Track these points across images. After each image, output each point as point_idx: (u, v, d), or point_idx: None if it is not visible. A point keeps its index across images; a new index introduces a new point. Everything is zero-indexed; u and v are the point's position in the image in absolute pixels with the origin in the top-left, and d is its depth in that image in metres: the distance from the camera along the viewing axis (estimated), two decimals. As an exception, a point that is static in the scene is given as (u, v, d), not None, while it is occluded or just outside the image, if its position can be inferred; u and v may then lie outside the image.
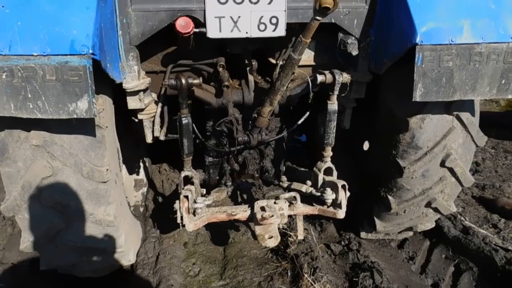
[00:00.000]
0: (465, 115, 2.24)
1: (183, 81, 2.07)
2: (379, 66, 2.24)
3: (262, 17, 2.06)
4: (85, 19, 1.67)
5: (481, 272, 2.59)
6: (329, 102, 2.29)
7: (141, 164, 3.48)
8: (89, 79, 1.66)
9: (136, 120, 2.47)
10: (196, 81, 2.12)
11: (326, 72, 2.23)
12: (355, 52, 2.23)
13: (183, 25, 1.97)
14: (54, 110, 1.69)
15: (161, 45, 2.30)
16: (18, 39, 1.61)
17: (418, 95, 1.97)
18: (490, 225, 3.11)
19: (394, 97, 2.32)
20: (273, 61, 2.48)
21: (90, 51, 1.63)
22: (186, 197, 2.19)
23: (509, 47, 1.94)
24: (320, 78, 2.22)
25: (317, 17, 1.80)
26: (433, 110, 2.21)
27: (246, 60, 2.45)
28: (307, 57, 2.47)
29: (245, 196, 3.38)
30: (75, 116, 1.71)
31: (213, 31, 2.04)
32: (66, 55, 1.63)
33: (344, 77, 2.21)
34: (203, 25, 2.03)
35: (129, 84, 2.10)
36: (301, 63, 2.15)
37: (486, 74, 1.97)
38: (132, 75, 2.10)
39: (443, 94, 1.99)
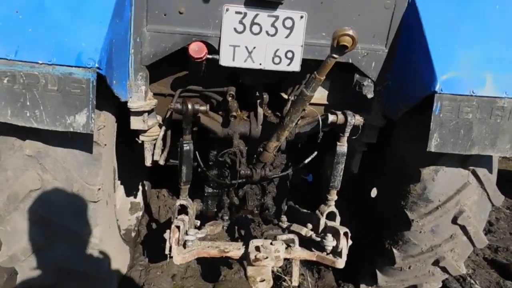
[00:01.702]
0: (482, 171, 2.12)
1: (189, 106, 2.01)
2: (394, 112, 2.16)
3: (277, 50, 2.02)
4: (96, 33, 1.63)
5: None
6: (338, 143, 2.19)
7: (140, 187, 3.38)
8: (91, 93, 1.60)
9: (139, 141, 2.40)
10: (202, 108, 2.05)
11: (338, 112, 2.15)
12: (370, 95, 2.16)
13: (196, 50, 1.93)
14: (50, 121, 1.62)
15: (172, 68, 2.26)
16: (26, 45, 1.57)
17: (433, 145, 1.87)
18: (502, 293, 2.90)
19: (407, 145, 2.21)
20: (285, 96, 2.41)
21: (96, 65, 1.58)
22: (178, 227, 2.06)
23: (533, 104, 1.84)
24: (331, 118, 2.13)
25: (334, 55, 1.74)
26: (448, 162, 2.10)
27: (257, 92, 2.39)
28: (320, 95, 2.40)
29: (241, 233, 3.23)
30: (71, 130, 1.64)
31: (226, 59, 1.99)
32: (72, 66, 1.58)
33: (356, 119, 2.13)
34: (217, 52, 1.99)
35: (135, 103, 2.04)
36: (312, 100, 2.08)
37: (507, 130, 1.87)
38: (138, 95, 2.05)
39: (460, 147, 1.89)
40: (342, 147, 2.20)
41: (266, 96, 2.37)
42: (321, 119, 2.20)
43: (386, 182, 2.53)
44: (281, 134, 2.18)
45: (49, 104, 1.61)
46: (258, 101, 2.40)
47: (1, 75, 1.57)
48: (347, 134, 2.17)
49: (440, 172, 2.12)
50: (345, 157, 2.22)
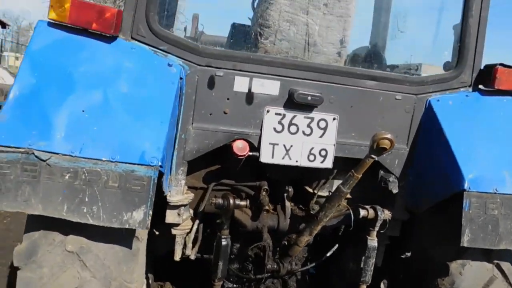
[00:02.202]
0: (505, 265, 2.21)
1: (231, 201, 2.06)
2: (418, 206, 2.29)
3: (312, 148, 2.16)
4: (158, 132, 1.72)
5: None
6: (369, 238, 2.26)
7: (144, 280, 3.20)
8: (151, 190, 1.64)
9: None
10: (243, 203, 2.10)
11: (368, 207, 2.25)
12: (395, 190, 2.29)
13: (241, 147, 2.04)
14: (107, 218, 1.62)
15: (207, 163, 2.34)
16: (90, 142, 1.63)
17: (466, 241, 1.97)
18: None
19: (432, 239, 2.30)
20: (310, 190, 2.50)
21: (159, 163, 1.64)
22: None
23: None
24: (362, 212, 2.23)
25: (373, 156, 1.89)
26: (473, 256, 2.18)
27: (285, 186, 2.47)
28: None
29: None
30: (127, 226, 1.64)
31: (266, 157, 2.11)
32: (134, 164, 1.63)
33: (385, 214, 2.23)
34: (256, 149, 2.11)
35: (174, 197, 2.07)
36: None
37: (530, 226, 2.01)
38: (177, 189, 2.09)
39: (489, 241, 2.00)
40: (373, 241, 2.26)
41: (291, 190, 2.46)
42: (352, 213, 2.28)
43: (408, 275, 2.55)
44: (314, 229, 2.23)
45: (108, 200, 1.62)
46: (285, 194, 2.47)
47: (63, 171, 1.59)
48: (377, 229, 2.25)
49: (467, 266, 2.19)
50: (376, 251, 2.27)
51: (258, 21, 2.44)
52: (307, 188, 2.53)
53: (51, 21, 1.82)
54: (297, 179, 2.51)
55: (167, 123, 1.76)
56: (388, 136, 1.83)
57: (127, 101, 1.77)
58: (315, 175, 2.48)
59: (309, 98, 2.07)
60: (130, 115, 1.73)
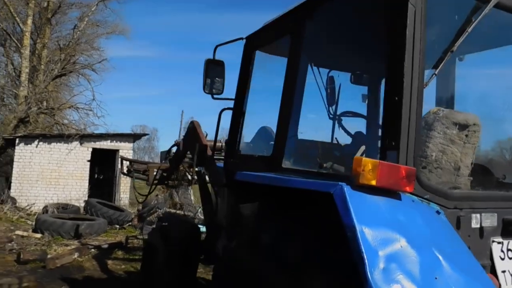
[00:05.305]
0: None
1: None
2: None
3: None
4: (487, 284, 1.84)
5: None
6: None
7: None
8: None
9: None
10: None
11: None
12: None
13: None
14: None
15: None
16: None
17: None
18: None
19: None
20: None
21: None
22: None
23: None
24: None
25: None
26: None
27: None
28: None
29: None
30: None
31: (502, 286, 2.31)
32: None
33: None
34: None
35: None
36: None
37: None
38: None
39: None
40: None
41: None
42: None
43: None
44: None
45: None
46: None
47: None
48: None
49: None
50: None
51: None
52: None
53: (359, 184, 1.88)
54: None
55: (484, 272, 1.89)
56: None
57: (446, 256, 1.85)
58: None
59: None
60: (459, 270, 1.82)
